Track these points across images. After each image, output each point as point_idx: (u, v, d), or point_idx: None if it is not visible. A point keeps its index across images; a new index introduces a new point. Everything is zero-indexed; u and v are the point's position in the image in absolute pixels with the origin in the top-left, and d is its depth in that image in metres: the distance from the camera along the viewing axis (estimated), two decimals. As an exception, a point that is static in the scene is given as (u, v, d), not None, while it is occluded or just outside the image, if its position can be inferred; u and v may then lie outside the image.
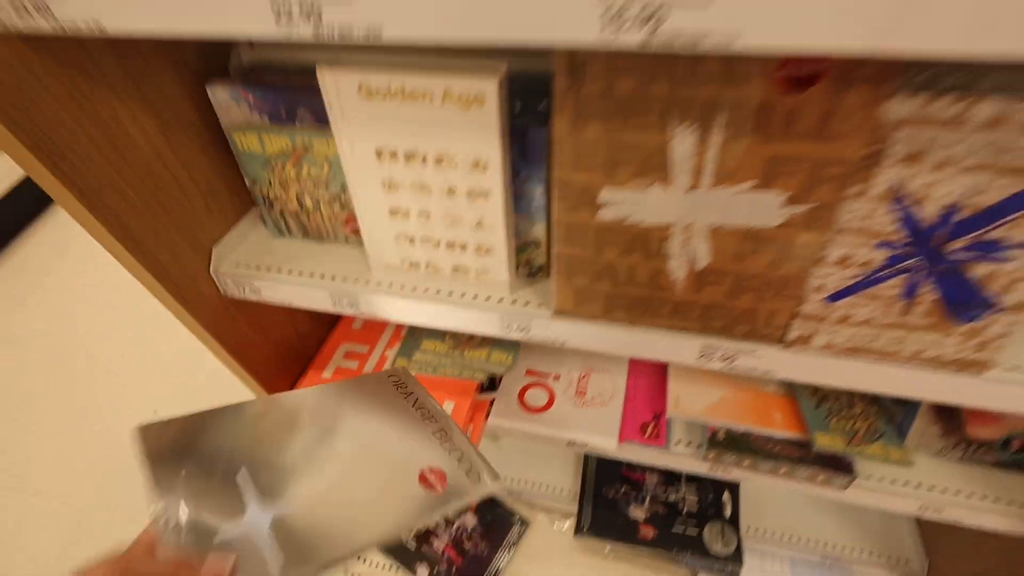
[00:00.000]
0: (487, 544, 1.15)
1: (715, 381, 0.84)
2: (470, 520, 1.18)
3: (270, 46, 0.66)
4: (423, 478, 0.47)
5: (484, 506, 1.20)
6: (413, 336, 0.91)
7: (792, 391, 0.81)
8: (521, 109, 0.53)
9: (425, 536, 1.16)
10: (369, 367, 0.88)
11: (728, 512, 1.06)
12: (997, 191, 0.42)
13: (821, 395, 0.81)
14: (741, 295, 0.52)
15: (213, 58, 0.65)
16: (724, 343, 0.56)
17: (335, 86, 0.51)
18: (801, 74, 0.38)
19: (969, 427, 0.75)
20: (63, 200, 0.52)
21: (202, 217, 0.67)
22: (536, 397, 0.88)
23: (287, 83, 0.61)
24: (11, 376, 1.76)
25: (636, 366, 0.93)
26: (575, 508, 1.10)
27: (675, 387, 0.83)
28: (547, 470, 1.19)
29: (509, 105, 0.50)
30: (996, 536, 0.76)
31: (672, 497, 1.08)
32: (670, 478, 1.11)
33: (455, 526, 1.17)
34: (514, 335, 0.62)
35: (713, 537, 1.02)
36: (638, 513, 1.07)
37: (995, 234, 0.44)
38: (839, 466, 0.76)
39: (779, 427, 0.78)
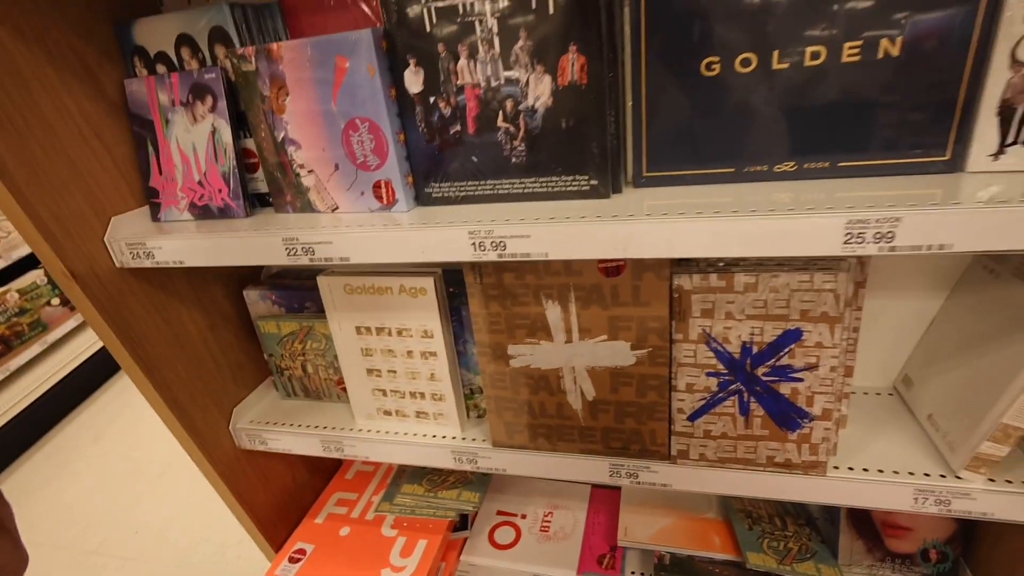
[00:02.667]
0: None
1: (660, 510, 0.94)
2: None
3: (291, 259, 0.93)
4: None
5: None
6: (395, 483, 1.04)
7: (727, 515, 0.91)
8: (458, 296, 0.75)
9: None
10: (356, 513, 1.00)
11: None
12: (771, 332, 0.61)
13: (754, 517, 0.90)
14: (625, 419, 0.68)
15: (249, 270, 0.91)
16: (626, 462, 0.71)
17: (328, 287, 0.74)
18: (611, 266, 0.60)
19: (887, 541, 0.84)
20: (132, 373, 0.73)
21: (229, 385, 0.88)
22: (504, 535, 0.98)
23: (299, 285, 0.85)
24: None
25: (596, 501, 1.03)
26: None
27: (625, 517, 0.93)
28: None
29: (448, 293, 0.72)
30: None
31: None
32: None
33: None
34: (465, 467, 0.77)
35: None
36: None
37: (783, 362, 0.61)
38: (775, 585, 0.83)
39: (717, 549, 0.86)
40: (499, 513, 1.02)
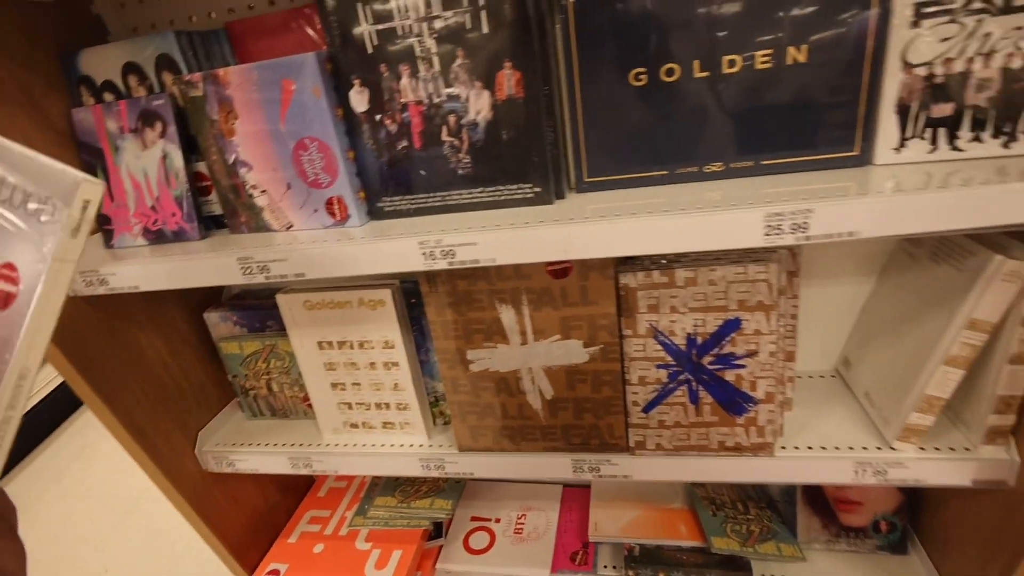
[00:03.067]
0: None
1: (628, 503, 0.96)
2: None
3: (251, 279, 0.93)
4: None
5: None
6: (368, 496, 1.04)
7: (692, 504, 0.94)
8: (418, 306, 0.77)
9: None
10: (329, 530, 1.00)
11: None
12: (712, 323, 0.64)
13: (718, 504, 0.93)
14: (584, 415, 0.71)
15: (208, 293, 0.91)
16: (587, 456, 0.73)
17: (288, 305, 0.75)
18: (558, 268, 0.62)
19: (840, 516, 0.88)
20: (90, 401, 0.72)
21: (193, 409, 0.87)
22: (479, 540, 0.99)
23: (260, 305, 0.86)
24: None
25: (567, 500, 1.05)
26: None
27: (595, 513, 0.96)
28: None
29: (409, 304, 0.74)
30: None
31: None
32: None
33: None
34: (432, 473, 0.78)
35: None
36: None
37: (725, 350, 0.65)
38: (739, 567, 0.86)
39: (684, 537, 0.90)
40: (473, 519, 1.04)
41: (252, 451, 0.85)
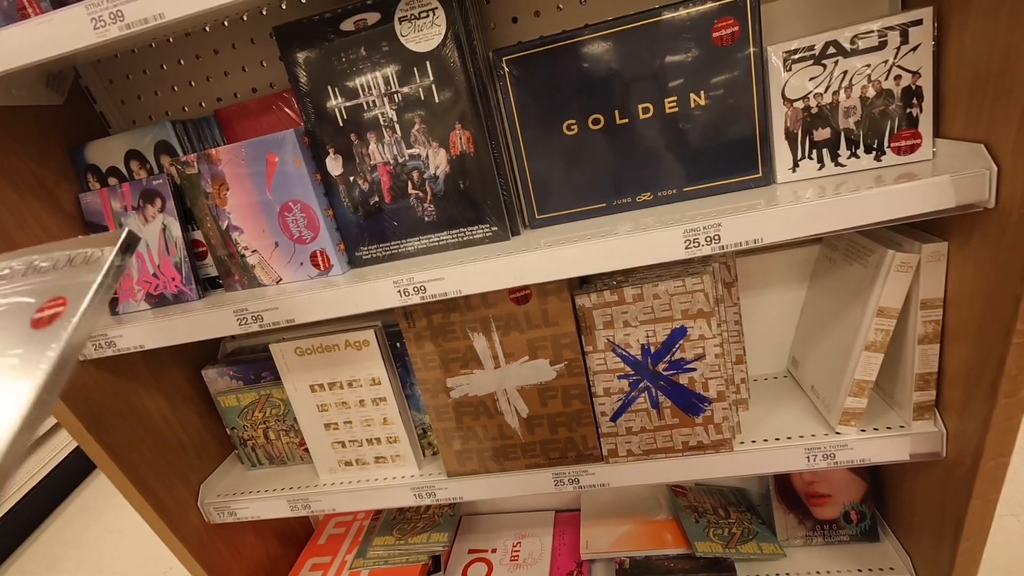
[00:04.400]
0: None
1: (616, 520, 1.01)
2: None
3: (242, 337, 1.00)
4: (35, 323, 0.41)
5: None
6: (367, 539, 1.07)
7: (676, 513, 0.99)
8: (402, 346, 0.84)
9: None
10: (331, 574, 1.02)
11: (695, 666, 1.09)
12: (662, 333, 0.72)
13: (700, 511, 0.98)
14: (558, 429, 0.77)
15: (207, 350, 0.98)
16: (566, 469, 0.79)
17: (281, 353, 0.82)
18: (519, 295, 0.71)
19: (813, 510, 0.93)
20: (100, 460, 0.77)
21: (194, 462, 0.92)
22: (477, 571, 1.02)
23: (252, 359, 0.92)
24: None
25: (560, 524, 1.09)
26: None
27: (585, 532, 1.00)
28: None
29: (394, 342, 0.81)
30: None
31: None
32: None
33: None
34: (425, 501, 0.83)
35: None
36: None
37: (676, 356, 0.73)
38: (723, 568, 0.90)
39: (670, 545, 0.94)
40: (470, 551, 1.07)
41: (252, 499, 0.89)
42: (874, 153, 0.62)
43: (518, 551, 1.04)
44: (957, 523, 0.69)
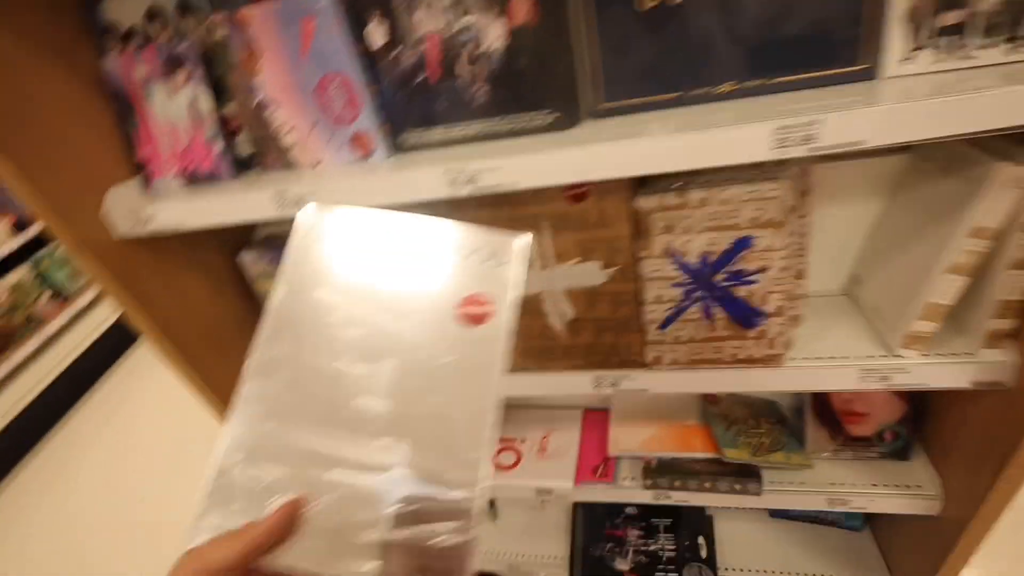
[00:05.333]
0: (495, 622, 1.24)
1: (646, 422, 1.03)
2: (477, 600, 1.27)
3: (276, 223, 0.97)
4: (464, 318, 0.47)
5: (489, 585, 1.30)
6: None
7: (707, 421, 1.00)
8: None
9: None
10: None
11: (704, 554, 1.17)
12: (725, 242, 0.67)
13: (730, 420, 0.99)
14: (603, 334, 0.75)
15: (241, 236, 0.96)
16: (607, 373, 0.78)
17: (319, 240, 0.79)
18: (576, 193, 0.65)
19: (848, 427, 0.93)
20: (150, 334, 0.78)
21: (238, 343, 0.93)
22: (506, 459, 1.07)
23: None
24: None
25: (588, 422, 1.12)
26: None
27: (615, 431, 1.02)
28: (540, 541, 1.30)
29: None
30: (928, 530, 0.89)
31: (652, 547, 1.20)
32: (649, 530, 1.23)
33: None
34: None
35: (691, 577, 1.13)
36: (623, 565, 1.18)
37: (737, 267, 0.68)
38: (750, 474, 0.92)
39: (699, 449, 0.96)
40: (500, 440, 1.11)
41: (294, 381, 0.91)
42: (1011, 44, 0.52)
43: (546, 443, 1.08)
44: (1005, 452, 0.67)
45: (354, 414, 0.46)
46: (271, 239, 0.96)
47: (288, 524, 0.42)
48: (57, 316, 2.65)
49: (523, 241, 0.49)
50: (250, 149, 0.73)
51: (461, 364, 0.46)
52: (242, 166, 0.76)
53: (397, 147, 0.68)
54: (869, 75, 0.57)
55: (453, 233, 0.49)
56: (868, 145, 0.50)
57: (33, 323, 2.59)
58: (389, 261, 0.49)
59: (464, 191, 0.60)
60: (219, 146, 0.72)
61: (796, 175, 0.67)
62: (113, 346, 2.80)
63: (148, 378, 2.63)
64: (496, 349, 0.47)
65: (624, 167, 0.56)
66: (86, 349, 2.65)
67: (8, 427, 2.27)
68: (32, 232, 2.66)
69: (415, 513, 0.44)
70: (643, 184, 0.69)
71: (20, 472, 2.28)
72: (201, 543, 0.41)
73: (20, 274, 2.61)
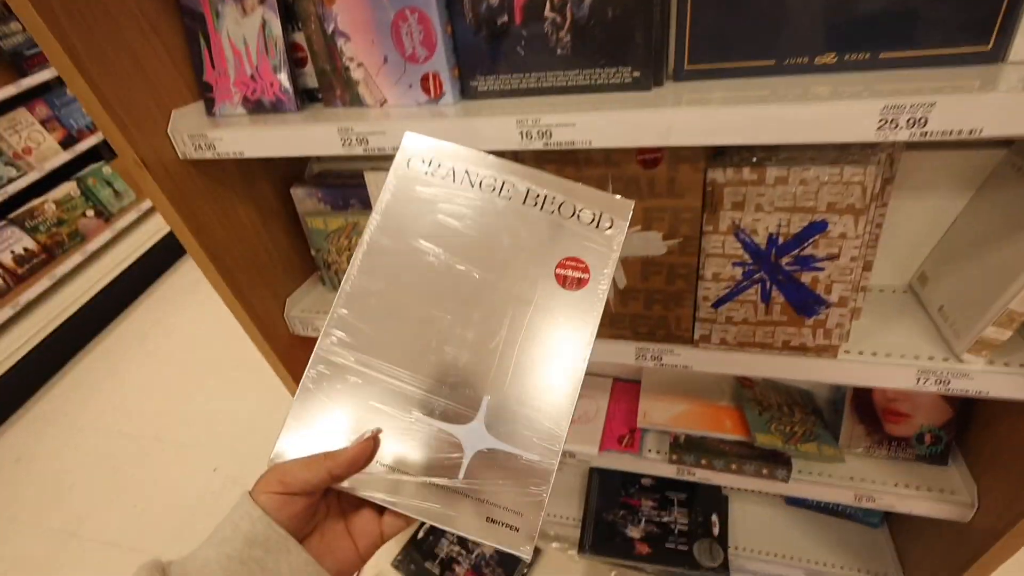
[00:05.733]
0: (503, 570, 1.28)
1: (677, 398, 1.02)
2: (488, 548, 1.32)
3: (328, 160, 0.97)
4: (560, 279, 0.46)
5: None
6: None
7: (740, 403, 0.99)
8: (497, 190, 0.79)
9: (448, 563, 1.30)
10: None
11: (716, 531, 1.18)
12: (797, 224, 0.64)
13: (764, 405, 0.98)
14: (653, 306, 0.74)
15: (292, 170, 0.95)
16: (651, 346, 0.77)
17: (376, 182, 0.78)
18: (649, 158, 0.63)
19: (887, 426, 0.91)
20: (199, 258, 0.79)
21: (281, 276, 0.95)
22: (533, 418, 1.08)
23: (343, 183, 0.89)
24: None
25: (617, 391, 1.12)
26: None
27: (644, 404, 1.02)
28: (556, 502, 1.33)
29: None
30: (953, 535, 0.88)
31: (665, 519, 1.22)
32: (663, 503, 1.25)
33: (475, 554, 1.31)
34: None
35: (702, 552, 1.14)
36: (634, 533, 1.20)
37: (806, 252, 0.65)
38: (779, 461, 0.92)
39: (729, 431, 0.95)
40: (528, 400, 1.12)
41: (335, 319, 0.92)
42: None
43: (573, 408, 1.08)
44: (1060, 470, 0.65)
45: (440, 360, 0.46)
46: (323, 176, 0.96)
47: (368, 456, 0.44)
48: (99, 235, 2.72)
49: (627, 208, 0.47)
50: (316, 82, 0.72)
51: (552, 327, 0.46)
52: (307, 99, 0.74)
53: (467, 92, 0.66)
54: (991, 58, 0.52)
55: (558, 189, 0.48)
56: (983, 135, 0.46)
57: (77, 239, 2.67)
58: (491, 209, 0.48)
59: (535, 145, 0.58)
60: (285, 76, 0.71)
61: (883, 161, 0.63)
62: (152, 266, 2.88)
63: (183, 302, 2.71)
64: (589, 318, 0.46)
65: (708, 134, 0.53)
66: (126, 268, 2.73)
67: (51, 335, 2.37)
68: (79, 149, 2.70)
69: (489, 465, 0.45)
70: (718, 155, 0.65)
71: (66, 374, 2.39)
72: (286, 461, 0.44)
73: (67, 189, 2.68)
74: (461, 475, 0.45)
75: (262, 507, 0.41)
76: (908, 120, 0.47)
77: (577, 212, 0.47)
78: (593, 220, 0.47)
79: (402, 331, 0.47)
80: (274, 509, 0.41)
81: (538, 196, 0.48)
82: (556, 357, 0.46)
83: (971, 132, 0.47)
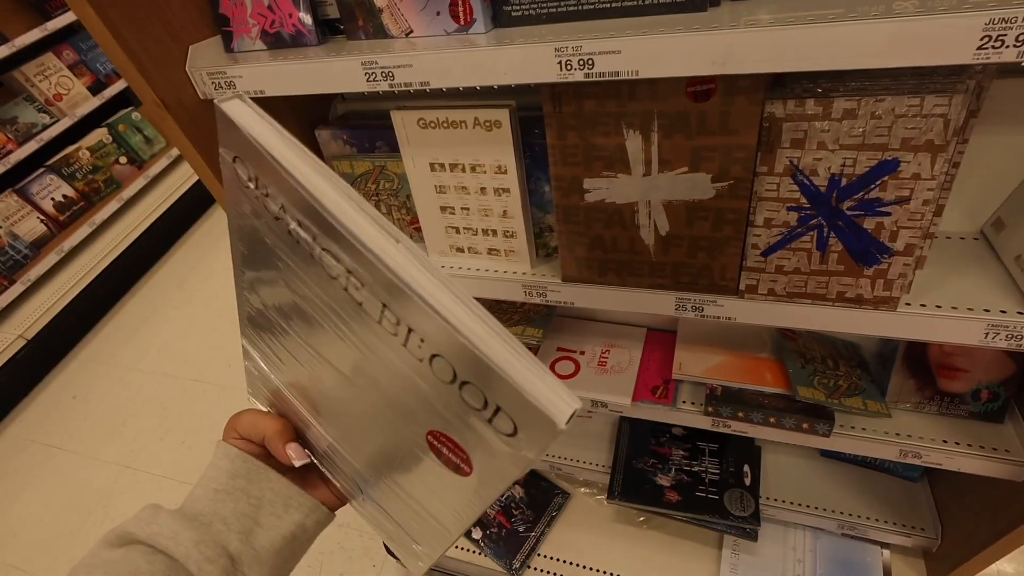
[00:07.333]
0: (532, 513, 1.31)
1: (714, 349, 0.99)
2: (517, 491, 1.35)
3: (354, 100, 0.92)
4: (434, 449, 0.35)
5: (529, 480, 1.37)
6: (464, 320, 1.11)
7: (781, 356, 0.95)
8: (529, 133, 0.74)
9: (479, 504, 1.33)
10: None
11: (748, 481, 1.17)
12: (864, 163, 0.58)
13: (807, 358, 0.94)
14: (697, 254, 0.69)
15: (317, 111, 0.91)
16: (693, 296, 0.73)
17: (403, 122, 0.74)
18: (701, 90, 0.57)
19: (941, 381, 0.86)
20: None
21: (309, 223, 0.93)
22: (565, 367, 1.06)
23: (367, 125, 0.85)
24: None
25: (651, 342, 1.09)
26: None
27: (680, 354, 0.99)
28: (586, 449, 1.34)
29: (521, 129, 0.71)
30: (1000, 494, 0.85)
31: (695, 468, 1.21)
32: (694, 452, 1.24)
33: (505, 496, 1.34)
34: (534, 300, 0.82)
35: (732, 502, 1.14)
36: (664, 481, 1.20)
37: (872, 195, 0.60)
38: (821, 415, 0.88)
39: (768, 384, 0.92)
40: (559, 349, 1.10)
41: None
42: None
43: (606, 357, 1.07)
44: None
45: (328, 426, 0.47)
46: (349, 117, 0.92)
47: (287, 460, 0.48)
48: (133, 181, 2.75)
49: (561, 420, 0.27)
50: (335, 12, 0.67)
51: (421, 492, 0.39)
52: (328, 31, 0.70)
53: (500, 18, 0.60)
54: (1121, -40, 0.44)
55: (438, 327, 0.29)
56: (1107, 53, 0.39)
57: (113, 186, 2.71)
58: (326, 294, 0.34)
59: (576, 76, 0.53)
60: (304, 5, 0.66)
61: (972, 89, 0.55)
62: (187, 212, 2.92)
63: (219, 247, 2.75)
64: (465, 511, 0.37)
65: (772, 61, 0.47)
66: (162, 214, 2.77)
67: (95, 280, 2.45)
68: (108, 94, 2.69)
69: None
70: (777, 86, 0.59)
71: (111, 317, 2.49)
72: (239, 412, 0.50)
73: (99, 136, 2.69)
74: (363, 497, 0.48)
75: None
76: (1019, 36, 0.40)
77: (476, 395, 0.30)
78: (500, 421, 0.30)
79: (301, 375, 0.46)
80: (245, 449, 0.47)
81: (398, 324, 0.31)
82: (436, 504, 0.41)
83: (1094, 50, 0.40)
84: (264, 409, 0.53)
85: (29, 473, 1.89)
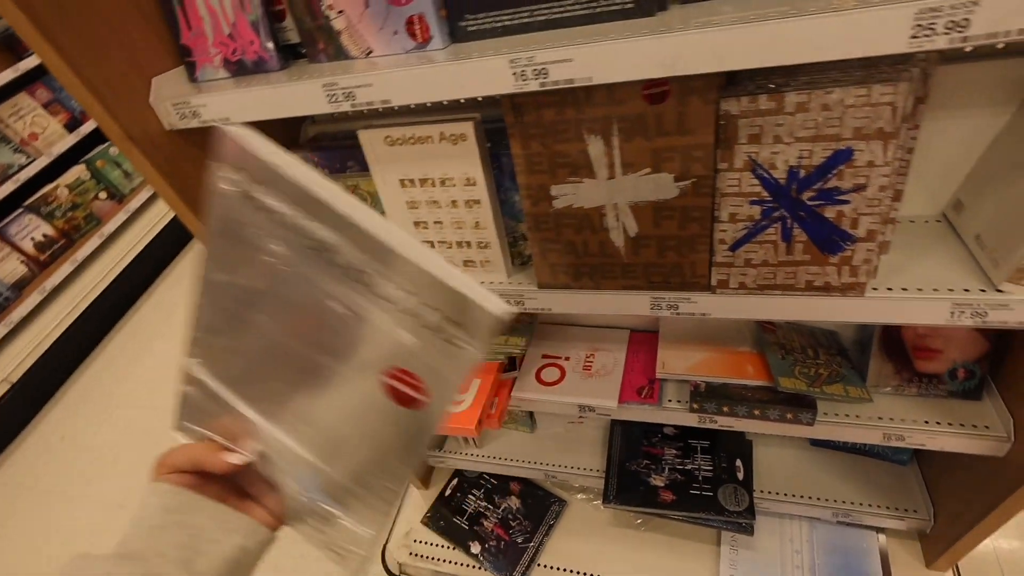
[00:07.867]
0: (529, 523, 1.31)
1: (696, 346, 1.00)
2: (514, 502, 1.34)
3: (323, 122, 0.93)
4: (388, 389, 0.38)
5: (525, 490, 1.36)
6: (448, 333, 1.12)
7: (761, 348, 0.96)
8: (497, 144, 0.75)
9: (476, 518, 1.33)
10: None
11: (741, 476, 1.17)
12: (820, 154, 0.59)
13: (787, 349, 0.95)
14: (667, 253, 0.70)
15: (287, 134, 0.92)
16: (667, 294, 0.74)
17: (370, 140, 0.75)
18: (656, 92, 0.58)
19: (917, 363, 0.88)
20: (200, 233, 0.77)
21: (285, 246, 0.93)
22: (550, 374, 1.07)
23: (337, 146, 0.86)
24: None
25: (634, 343, 1.09)
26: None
27: (663, 354, 1.00)
28: (577, 454, 1.33)
29: (487, 141, 0.72)
30: (986, 470, 0.86)
31: (689, 466, 1.21)
32: (686, 450, 1.24)
33: (502, 508, 1.34)
34: (512, 309, 0.82)
35: (727, 497, 1.14)
36: (658, 481, 1.20)
37: (830, 184, 0.61)
38: (804, 405, 0.89)
39: (751, 377, 0.93)
40: (544, 356, 1.11)
41: (343, 286, 0.91)
42: None
43: (591, 361, 1.07)
44: (1106, 400, 0.62)
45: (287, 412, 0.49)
46: (319, 139, 0.93)
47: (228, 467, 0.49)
48: (114, 216, 2.73)
49: (496, 311, 0.35)
50: (296, 37, 0.67)
51: (372, 436, 0.43)
52: (290, 55, 0.71)
53: (457, 34, 0.61)
54: (1041, -54, 0.46)
55: (404, 264, 0.35)
56: (1031, 35, 0.41)
57: (93, 222, 2.69)
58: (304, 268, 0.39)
59: (531, 86, 0.54)
60: (264, 31, 0.67)
61: (917, 77, 0.57)
62: (171, 244, 2.90)
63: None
64: (416, 440, 0.41)
65: (719, 60, 0.49)
66: (144, 247, 2.75)
67: (80, 317, 2.43)
68: (85, 130, 2.69)
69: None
70: (730, 84, 0.60)
71: (95, 358, 2.46)
72: (165, 452, 0.50)
73: (77, 172, 2.68)
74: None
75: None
76: (947, 24, 0.42)
77: (425, 311, 0.36)
78: (445, 328, 0.36)
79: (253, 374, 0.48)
80: (177, 483, 0.47)
81: (383, 263, 0.37)
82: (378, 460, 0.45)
83: (1021, 31, 0.41)
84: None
85: (21, 520, 1.86)
